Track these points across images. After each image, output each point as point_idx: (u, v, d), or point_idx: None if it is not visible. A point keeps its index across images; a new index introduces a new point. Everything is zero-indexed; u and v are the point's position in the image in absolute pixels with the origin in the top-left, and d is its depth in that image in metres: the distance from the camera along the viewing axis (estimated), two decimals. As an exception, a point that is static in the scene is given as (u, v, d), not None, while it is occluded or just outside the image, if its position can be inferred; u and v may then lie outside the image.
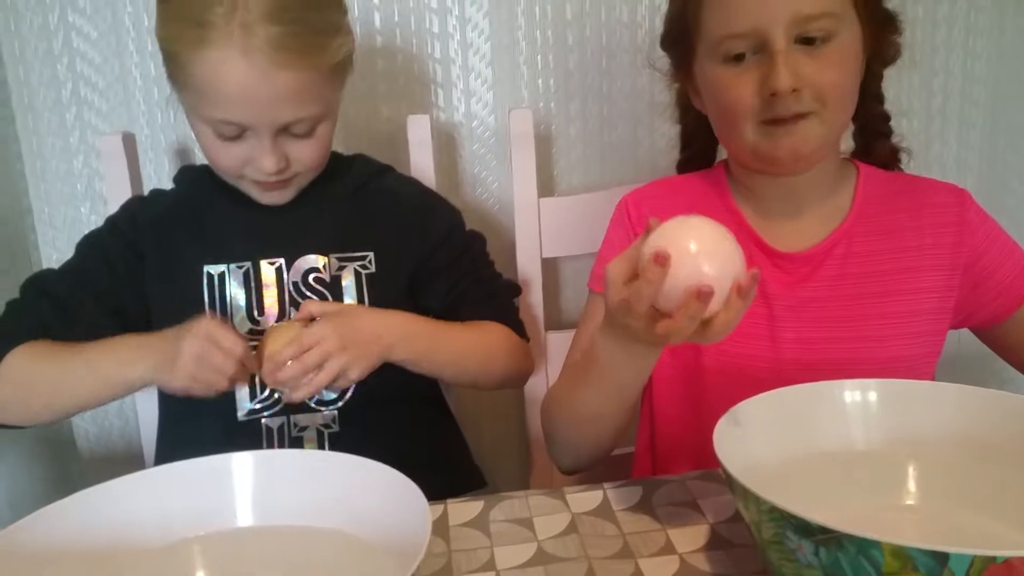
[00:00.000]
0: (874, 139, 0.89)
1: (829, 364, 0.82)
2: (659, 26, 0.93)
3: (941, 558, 0.43)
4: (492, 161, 1.30)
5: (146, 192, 1.05)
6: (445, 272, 0.98)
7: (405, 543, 0.49)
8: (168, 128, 1.26)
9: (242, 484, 0.60)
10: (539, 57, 1.28)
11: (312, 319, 0.86)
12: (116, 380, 0.85)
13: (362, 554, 0.54)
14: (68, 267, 0.95)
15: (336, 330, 0.82)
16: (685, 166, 0.99)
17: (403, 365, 0.89)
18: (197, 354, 0.80)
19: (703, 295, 0.57)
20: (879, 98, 0.88)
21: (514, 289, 1.06)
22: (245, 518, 0.59)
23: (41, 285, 0.93)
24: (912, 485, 0.65)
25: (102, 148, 1.10)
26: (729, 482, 0.55)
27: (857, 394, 0.67)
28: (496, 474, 1.28)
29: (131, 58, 1.23)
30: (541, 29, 1.27)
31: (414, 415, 0.97)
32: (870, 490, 0.64)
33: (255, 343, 0.86)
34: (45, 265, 1.28)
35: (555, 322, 1.34)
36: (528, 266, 1.14)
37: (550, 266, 1.32)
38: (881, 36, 0.82)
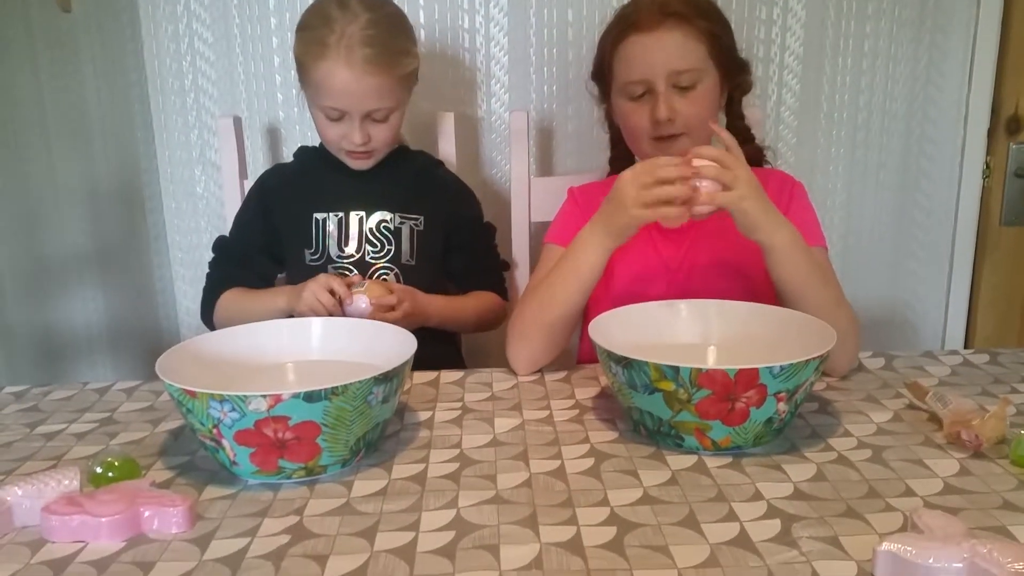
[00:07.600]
0: (742, 143, 1.24)
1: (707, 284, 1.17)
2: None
3: (675, 369, 0.80)
4: (505, 148, 1.69)
5: (261, 162, 1.55)
6: (465, 247, 1.40)
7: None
8: (263, 112, 1.67)
9: (315, 333, 1.02)
10: (544, 68, 1.66)
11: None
12: (272, 310, 1.24)
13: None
14: (234, 232, 1.40)
15: (412, 300, 1.21)
16: (615, 163, 1.35)
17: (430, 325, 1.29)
18: (312, 294, 1.19)
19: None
20: (740, 116, 1.25)
21: (505, 266, 1.47)
22: (314, 354, 1.00)
23: (224, 248, 1.39)
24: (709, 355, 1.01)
25: (219, 127, 1.51)
26: (599, 352, 0.91)
27: (683, 307, 1.04)
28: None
29: (237, 58, 1.65)
30: (548, 47, 1.65)
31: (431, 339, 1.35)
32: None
33: (343, 269, 1.29)
34: (165, 205, 1.73)
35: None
36: (519, 225, 1.51)
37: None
38: (736, 77, 1.19)
